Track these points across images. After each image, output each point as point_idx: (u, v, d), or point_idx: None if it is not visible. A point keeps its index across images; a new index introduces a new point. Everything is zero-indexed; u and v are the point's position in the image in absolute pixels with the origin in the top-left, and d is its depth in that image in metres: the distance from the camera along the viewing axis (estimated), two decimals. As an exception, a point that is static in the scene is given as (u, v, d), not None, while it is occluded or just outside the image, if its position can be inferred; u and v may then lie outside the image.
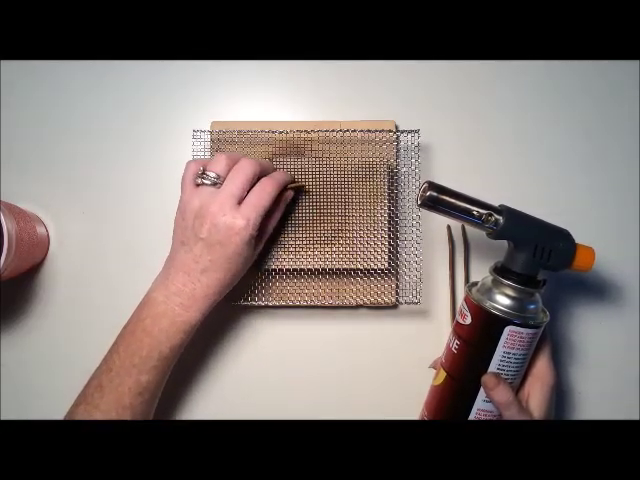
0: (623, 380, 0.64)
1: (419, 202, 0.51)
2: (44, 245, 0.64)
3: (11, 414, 0.64)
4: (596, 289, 0.65)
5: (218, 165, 0.55)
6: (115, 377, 0.54)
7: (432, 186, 0.50)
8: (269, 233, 0.58)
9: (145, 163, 0.66)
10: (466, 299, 0.53)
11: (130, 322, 0.55)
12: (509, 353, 0.50)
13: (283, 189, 0.58)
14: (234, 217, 0.52)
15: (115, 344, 0.55)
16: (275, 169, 0.61)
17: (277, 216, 0.58)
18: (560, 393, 0.63)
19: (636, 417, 0.63)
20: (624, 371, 0.64)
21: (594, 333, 0.64)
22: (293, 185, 0.60)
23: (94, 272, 0.65)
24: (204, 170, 0.55)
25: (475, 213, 0.50)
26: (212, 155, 0.62)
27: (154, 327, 0.54)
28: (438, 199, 0.50)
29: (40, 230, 0.63)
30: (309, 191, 0.61)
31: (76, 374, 0.64)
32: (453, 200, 0.50)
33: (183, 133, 0.64)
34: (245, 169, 0.55)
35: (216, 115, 0.65)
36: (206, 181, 0.54)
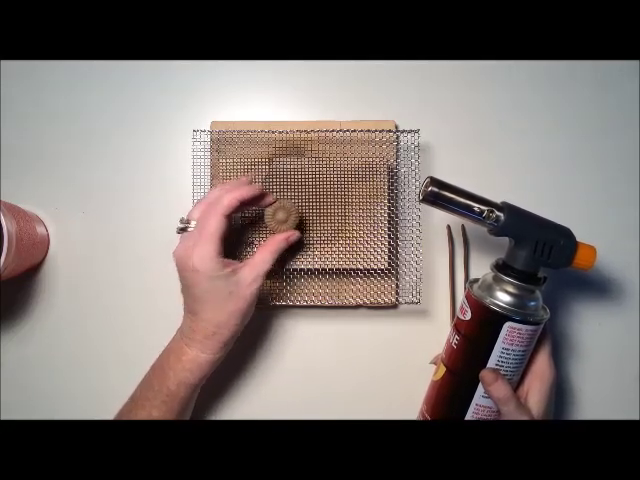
0: (623, 378, 0.64)
1: (421, 197, 0.51)
2: (44, 245, 0.64)
3: (11, 414, 0.63)
4: (597, 287, 0.65)
5: (191, 212, 0.55)
6: (133, 408, 0.54)
7: (434, 181, 0.50)
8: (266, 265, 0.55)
9: (145, 163, 0.66)
10: (467, 295, 0.53)
11: (158, 356, 0.56)
12: (508, 349, 0.50)
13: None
14: (180, 254, 0.53)
15: (145, 375, 0.56)
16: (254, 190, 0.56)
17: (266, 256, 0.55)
18: (560, 391, 0.63)
19: (636, 417, 0.63)
20: (624, 369, 0.64)
21: (594, 331, 0.64)
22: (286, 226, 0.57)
23: (94, 272, 0.65)
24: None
25: (476, 209, 0.50)
26: (212, 155, 0.62)
27: (165, 362, 0.55)
28: (440, 195, 0.50)
29: (40, 230, 0.63)
30: (309, 191, 0.61)
31: (76, 374, 0.65)
32: (454, 196, 0.50)
33: (183, 133, 0.64)
34: (200, 203, 0.55)
35: (216, 115, 0.65)
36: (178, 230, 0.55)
